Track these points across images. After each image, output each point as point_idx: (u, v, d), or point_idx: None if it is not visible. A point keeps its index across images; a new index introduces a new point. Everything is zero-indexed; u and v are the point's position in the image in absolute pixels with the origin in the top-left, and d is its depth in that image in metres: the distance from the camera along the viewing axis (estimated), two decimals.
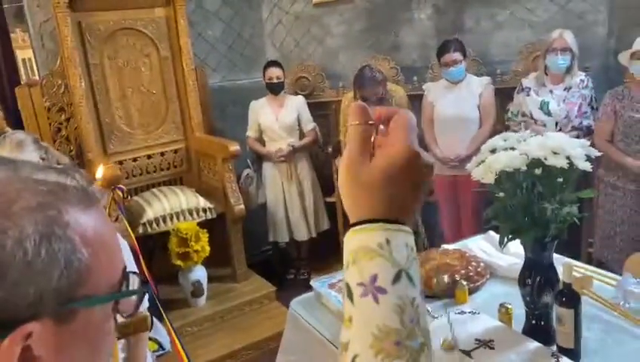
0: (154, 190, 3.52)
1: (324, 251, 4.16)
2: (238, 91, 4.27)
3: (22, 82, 4.86)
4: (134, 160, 3.60)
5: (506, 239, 1.49)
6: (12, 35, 5.65)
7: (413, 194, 0.55)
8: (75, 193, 0.50)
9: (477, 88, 3.41)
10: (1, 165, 0.48)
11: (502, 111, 3.55)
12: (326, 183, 4.08)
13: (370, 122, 0.56)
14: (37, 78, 5.02)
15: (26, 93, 3.33)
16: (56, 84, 3.35)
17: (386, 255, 0.52)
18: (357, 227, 0.54)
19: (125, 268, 0.56)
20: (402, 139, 0.55)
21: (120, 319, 0.57)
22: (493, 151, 1.50)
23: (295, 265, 4.20)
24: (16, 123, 3.51)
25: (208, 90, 3.97)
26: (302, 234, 3.99)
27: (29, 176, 0.49)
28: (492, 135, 2.95)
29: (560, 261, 1.60)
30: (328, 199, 4.10)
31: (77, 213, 0.49)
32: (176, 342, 2.02)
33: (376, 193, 0.54)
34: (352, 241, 0.54)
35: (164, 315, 2.18)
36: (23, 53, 6.10)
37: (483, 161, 1.48)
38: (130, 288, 0.56)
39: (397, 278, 0.52)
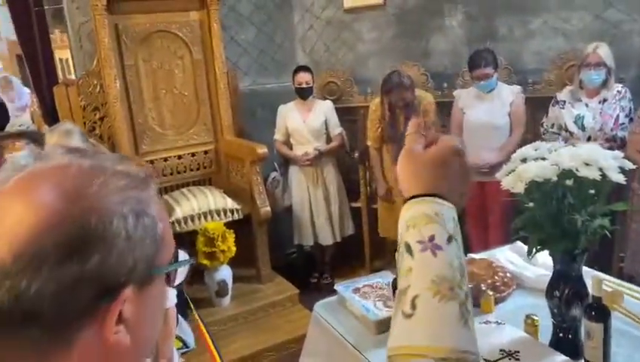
0: (183, 190, 3.59)
1: (349, 256, 4.16)
2: (268, 95, 4.31)
3: (59, 82, 5.01)
4: (165, 160, 3.67)
5: (534, 250, 1.48)
6: (51, 36, 5.82)
7: (459, 182, 0.70)
8: (139, 178, 0.58)
9: (508, 96, 3.38)
10: (88, 156, 0.56)
11: (532, 121, 3.51)
12: (352, 188, 4.08)
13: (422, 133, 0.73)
14: (73, 77, 5.16)
15: (64, 92, 3.43)
16: (92, 84, 3.44)
17: (441, 222, 0.66)
18: (414, 200, 0.68)
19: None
20: (450, 140, 0.72)
21: None
22: (523, 160, 1.49)
23: (319, 269, 4.21)
24: (53, 121, 3.62)
25: (239, 93, 4.02)
26: (326, 239, 4.00)
27: (111, 165, 0.56)
28: (522, 143, 2.94)
29: (589, 274, 1.57)
30: (354, 204, 4.11)
31: (148, 194, 0.57)
32: (207, 337, 2.05)
33: (429, 173, 0.69)
34: (411, 210, 0.68)
35: (195, 313, 2.22)
36: (61, 53, 6.27)
37: (513, 170, 1.47)
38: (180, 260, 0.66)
39: (449, 240, 0.65)
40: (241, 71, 4.24)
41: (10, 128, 5.37)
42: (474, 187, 3.46)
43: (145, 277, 0.55)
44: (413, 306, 0.62)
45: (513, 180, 1.44)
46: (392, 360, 0.63)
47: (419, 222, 0.66)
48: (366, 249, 4.08)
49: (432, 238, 0.64)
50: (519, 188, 1.41)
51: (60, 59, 6.44)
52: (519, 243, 2.23)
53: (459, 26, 3.96)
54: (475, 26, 3.92)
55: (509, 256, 2.16)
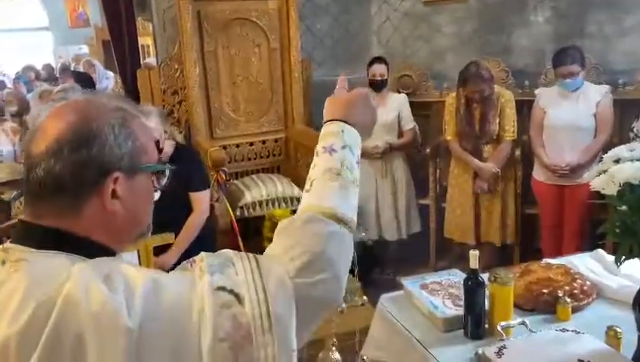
0: (253, 176, 3.65)
1: (413, 254, 4.09)
2: None
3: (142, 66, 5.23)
4: (237, 146, 3.74)
5: (623, 257, 1.38)
6: None
7: (364, 114, 1.02)
8: (132, 109, 0.90)
9: (594, 97, 3.18)
10: (98, 95, 0.94)
11: (620, 124, 3.31)
12: (421, 185, 4.00)
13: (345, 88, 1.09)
14: (152, 60, 5.37)
15: (146, 76, 3.57)
16: (173, 68, 3.56)
17: (340, 136, 0.97)
18: (328, 122, 0.99)
19: (159, 158, 0.94)
20: (360, 89, 1.06)
21: None
22: (616, 161, 1.39)
23: (381, 264, 4.16)
24: (135, 103, 3.77)
25: (312, 83, 4.03)
26: (391, 234, 3.95)
27: (112, 101, 0.88)
28: (607, 147, 2.76)
29: None
30: (422, 201, 4.03)
31: (133, 118, 0.88)
32: None
33: (341, 107, 1.01)
34: (324, 129, 0.99)
35: None
36: (142, 40, 6.60)
37: (605, 171, 1.38)
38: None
39: (344, 148, 0.95)
40: (315, 61, 4.25)
41: None
42: (552, 189, 3.30)
43: (130, 169, 0.84)
44: (311, 185, 0.93)
45: (604, 181, 1.35)
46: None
47: (326, 136, 0.97)
48: (432, 248, 3.99)
49: (331, 145, 0.95)
50: (611, 189, 1.33)
51: (142, 46, 6.78)
52: (601, 251, 2.10)
53: (545, 21, 3.79)
54: (562, 23, 3.73)
55: (589, 264, 2.04)
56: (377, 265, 4.17)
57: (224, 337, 0.73)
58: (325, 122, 1.00)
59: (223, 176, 2.90)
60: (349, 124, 0.98)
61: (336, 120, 0.99)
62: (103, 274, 0.74)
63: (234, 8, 3.56)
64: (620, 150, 1.42)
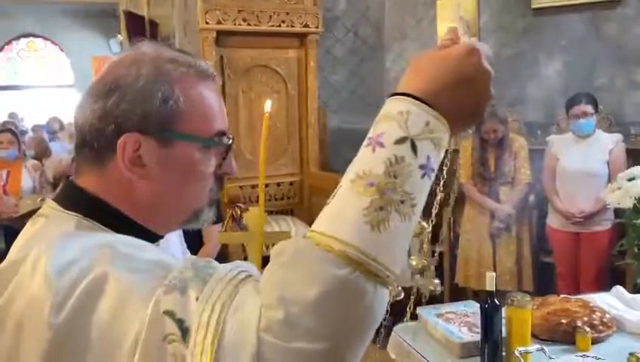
0: (267, 217, 3.67)
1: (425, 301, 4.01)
2: (355, 134, 4.33)
3: None
4: (253, 186, 3.79)
5: None
6: None
7: (467, 87, 0.63)
8: (191, 67, 0.74)
9: (606, 144, 3.22)
10: (156, 45, 0.76)
11: None
12: (433, 230, 3.98)
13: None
14: None
15: None
16: None
17: (400, 121, 0.59)
18: (394, 96, 0.62)
19: (222, 131, 0.77)
20: (469, 42, 0.65)
21: None
22: (631, 179, 1.41)
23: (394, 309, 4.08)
24: None
25: (327, 130, 4.14)
26: (403, 279, 3.89)
27: (168, 52, 0.75)
28: None
29: None
30: (437, 248, 4.00)
31: (185, 77, 0.73)
32: None
33: (427, 70, 0.63)
34: (386, 106, 0.62)
35: None
36: None
37: (619, 188, 1.40)
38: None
39: (400, 141, 0.58)
40: (330, 109, 4.37)
41: None
42: (567, 237, 3.27)
43: (160, 134, 0.71)
44: (334, 195, 0.61)
45: (620, 196, 1.37)
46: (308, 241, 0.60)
47: (380, 119, 0.61)
48: (445, 294, 3.92)
49: (380, 135, 0.59)
50: (626, 203, 1.34)
51: None
52: (620, 289, 2.07)
53: (557, 75, 3.89)
54: (573, 75, 3.83)
55: (608, 300, 2.00)
56: (390, 311, 4.09)
57: None
58: (389, 96, 0.63)
59: (239, 212, 2.94)
60: (428, 104, 0.60)
61: (406, 94, 0.61)
62: (77, 250, 0.64)
63: (255, 55, 3.71)
64: (635, 169, 1.44)
